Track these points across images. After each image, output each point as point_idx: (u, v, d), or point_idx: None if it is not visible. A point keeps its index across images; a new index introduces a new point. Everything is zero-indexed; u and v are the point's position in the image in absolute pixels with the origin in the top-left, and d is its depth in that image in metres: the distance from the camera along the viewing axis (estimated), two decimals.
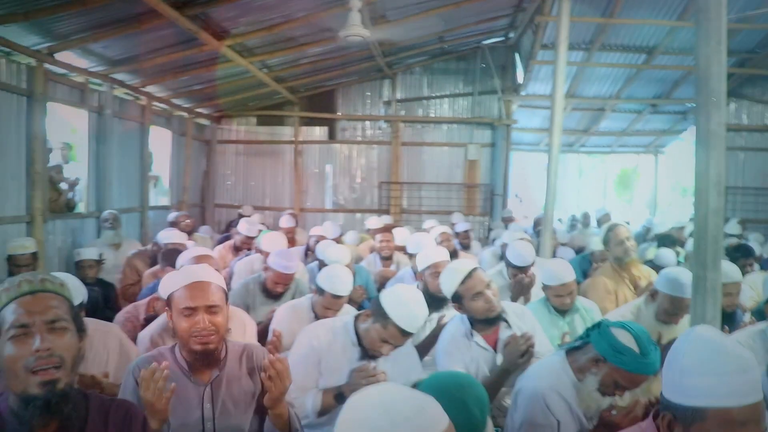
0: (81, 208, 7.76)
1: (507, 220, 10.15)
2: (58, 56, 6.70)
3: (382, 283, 6.02)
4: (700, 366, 1.54)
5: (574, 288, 4.04)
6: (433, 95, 12.49)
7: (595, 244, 6.43)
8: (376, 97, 12.55)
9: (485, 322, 3.29)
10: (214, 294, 2.30)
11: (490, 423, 2.29)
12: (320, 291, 3.91)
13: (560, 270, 4.00)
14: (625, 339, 2.41)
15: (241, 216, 10.52)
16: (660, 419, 1.62)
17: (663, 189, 16.93)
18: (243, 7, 6.78)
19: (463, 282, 3.29)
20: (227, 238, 8.45)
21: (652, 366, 2.40)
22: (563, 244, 8.28)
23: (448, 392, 1.97)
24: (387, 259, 6.59)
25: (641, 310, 3.72)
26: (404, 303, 2.84)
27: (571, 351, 2.66)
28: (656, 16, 9.27)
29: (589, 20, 9.47)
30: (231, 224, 10.49)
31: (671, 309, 3.54)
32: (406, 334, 2.85)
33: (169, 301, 2.35)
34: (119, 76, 8.12)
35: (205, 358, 2.29)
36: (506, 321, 3.36)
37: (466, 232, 8.33)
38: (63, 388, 1.62)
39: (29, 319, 1.61)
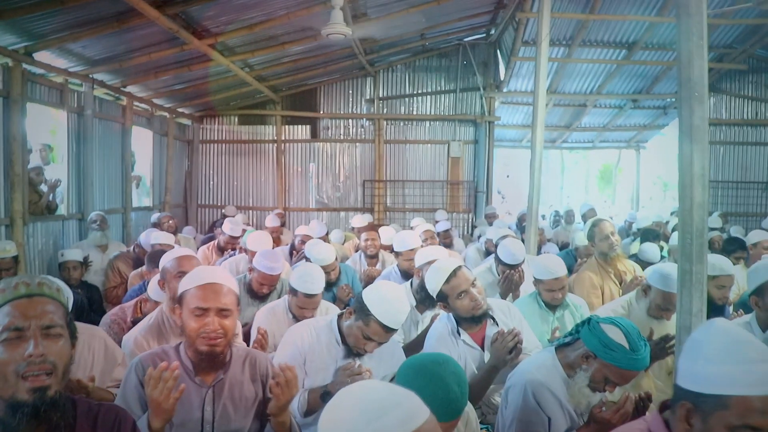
0: (62, 210, 7.66)
1: (491, 217, 10.17)
2: (37, 56, 6.61)
3: (368, 282, 5.99)
4: (723, 355, 1.53)
5: (566, 283, 4.05)
6: (416, 93, 12.47)
7: (580, 239, 6.45)
8: (358, 95, 12.51)
9: (471, 320, 3.29)
10: (226, 297, 2.30)
11: (469, 403, 2.30)
12: (293, 291, 3.89)
13: (552, 264, 4.02)
14: (615, 335, 2.42)
15: (224, 216, 10.48)
16: (678, 409, 1.61)
17: (645, 184, 17.04)
18: (224, 5, 6.73)
19: (447, 281, 3.28)
20: (211, 239, 8.39)
21: (642, 362, 2.41)
22: (548, 240, 8.32)
23: (425, 369, 2.00)
24: (372, 258, 6.58)
25: (632, 305, 3.74)
26: (386, 300, 2.83)
27: (560, 347, 2.66)
28: (636, 11, 9.34)
29: (570, 16, 9.53)
30: (215, 224, 10.43)
31: (663, 304, 3.56)
32: (389, 331, 2.84)
33: (180, 300, 2.34)
34: (99, 76, 8.03)
35: (210, 360, 2.28)
36: (493, 318, 3.36)
37: (446, 231, 8.34)
38: (53, 395, 1.59)
39: (24, 322, 1.58)
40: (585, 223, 9.50)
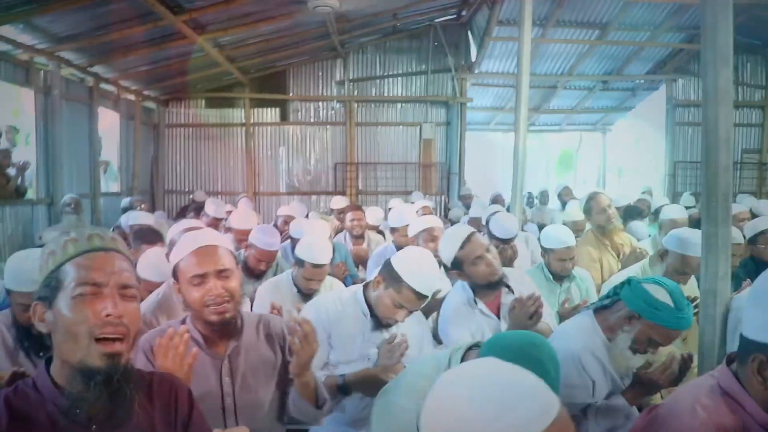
0: (31, 194, 7.36)
1: (467, 198, 10.13)
2: (1, 30, 6.28)
3: (358, 262, 5.90)
4: None
5: (575, 252, 4.02)
6: (387, 74, 12.36)
7: (569, 215, 6.43)
8: (329, 77, 12.34)
9: (487, 287, 3.20)
10: (223, 257, 2.11)
11: None
12: (300, 262, 3.75)
13: (562, 233, 4.00)
14: (660, 294, 2.36)
15: (194, 201, 10.25)
16: (750, 362, 1.53)
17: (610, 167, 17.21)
18: None
19: (462, 246, 3.17)
20: None
21: (687, 320, 2.36)
22: (528, 221, 8.32)
23: (523, 352, 1.81)
24: (358, 238, 6.45)
25: (646, 271, 3.72)
26: (418, 265, 2.74)
27: (599, 310, 2.60)
28: None
29: None
30: (185, 209, 10.17)
31: (682, 268, 3.55)
32: (422, 297, 2.74)
33: (175, 272, 2.16)
34: (65, 55, 7.71)
35: (222, 329, 2.12)
36: (508, 286, 3.28)
37: (428, 208, 8.25)
38: (125, 363, 1.41)
39: (103, 278, 1.39)
40: (562, 202, 9.57)
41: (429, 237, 4.11)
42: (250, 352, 2.20)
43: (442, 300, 3.51)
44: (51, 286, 1.40)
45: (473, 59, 11.80)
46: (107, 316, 1.36)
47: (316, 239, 3.80)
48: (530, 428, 0.95)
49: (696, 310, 3.10)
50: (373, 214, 6.82)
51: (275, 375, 2.23)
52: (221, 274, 2.08)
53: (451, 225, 8.03)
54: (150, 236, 4.47)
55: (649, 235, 6.30)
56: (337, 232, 6.98)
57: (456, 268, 3.25)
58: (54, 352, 1.42)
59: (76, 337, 1.35)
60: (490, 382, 1.01)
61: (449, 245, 3.25)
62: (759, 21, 10.51)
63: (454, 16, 11.93)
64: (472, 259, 3.16)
